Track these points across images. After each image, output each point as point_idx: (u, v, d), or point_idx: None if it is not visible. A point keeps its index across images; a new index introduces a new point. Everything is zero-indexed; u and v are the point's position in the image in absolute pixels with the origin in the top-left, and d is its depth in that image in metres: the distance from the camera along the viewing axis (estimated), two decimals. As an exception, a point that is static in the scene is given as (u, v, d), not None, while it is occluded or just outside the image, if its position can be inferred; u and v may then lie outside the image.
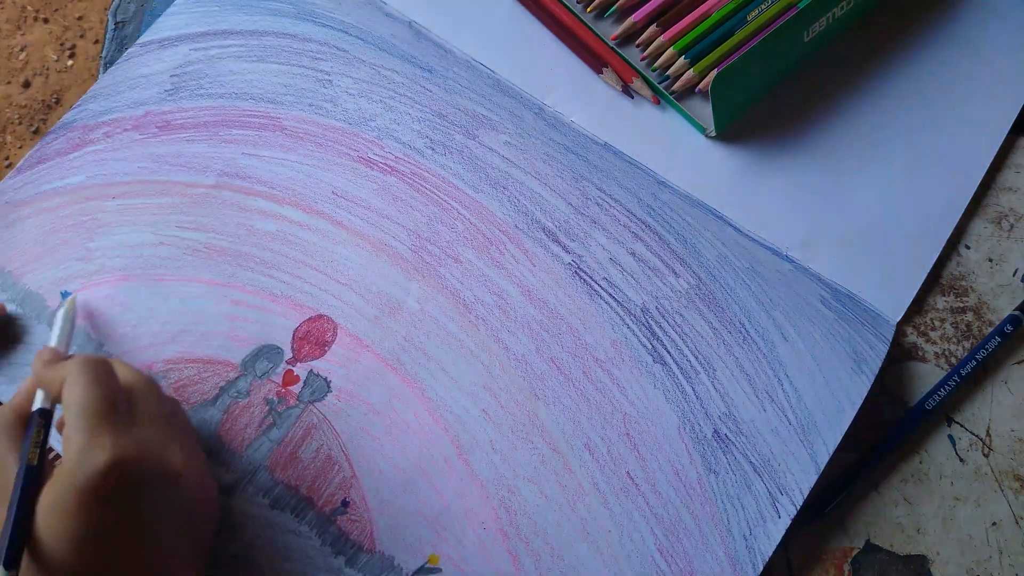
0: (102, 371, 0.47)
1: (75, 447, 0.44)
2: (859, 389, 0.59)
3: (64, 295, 0.60)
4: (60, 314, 0.56)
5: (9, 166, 0.65)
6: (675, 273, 0.61)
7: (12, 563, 0.41)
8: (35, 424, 0.48)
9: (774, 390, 0.58)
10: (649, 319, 0.60)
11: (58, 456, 0.48)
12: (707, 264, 0.62)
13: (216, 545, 0.54)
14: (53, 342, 0.54)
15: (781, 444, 0.57)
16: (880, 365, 0.59)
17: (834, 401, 0.58)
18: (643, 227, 0.63)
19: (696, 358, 0.59)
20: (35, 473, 0.45)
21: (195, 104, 0.66)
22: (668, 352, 0.59)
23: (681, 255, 0.62)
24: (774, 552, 0.55)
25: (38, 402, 0.49)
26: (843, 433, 0.57)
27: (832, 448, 0.57)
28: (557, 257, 0.62)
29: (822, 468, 0.57)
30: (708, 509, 0.56)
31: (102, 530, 0.43)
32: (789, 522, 0.55)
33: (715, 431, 0.57)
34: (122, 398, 0.47)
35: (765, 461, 0.57)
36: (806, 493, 0.56)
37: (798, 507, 0.56)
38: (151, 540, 0.45)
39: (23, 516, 0.43)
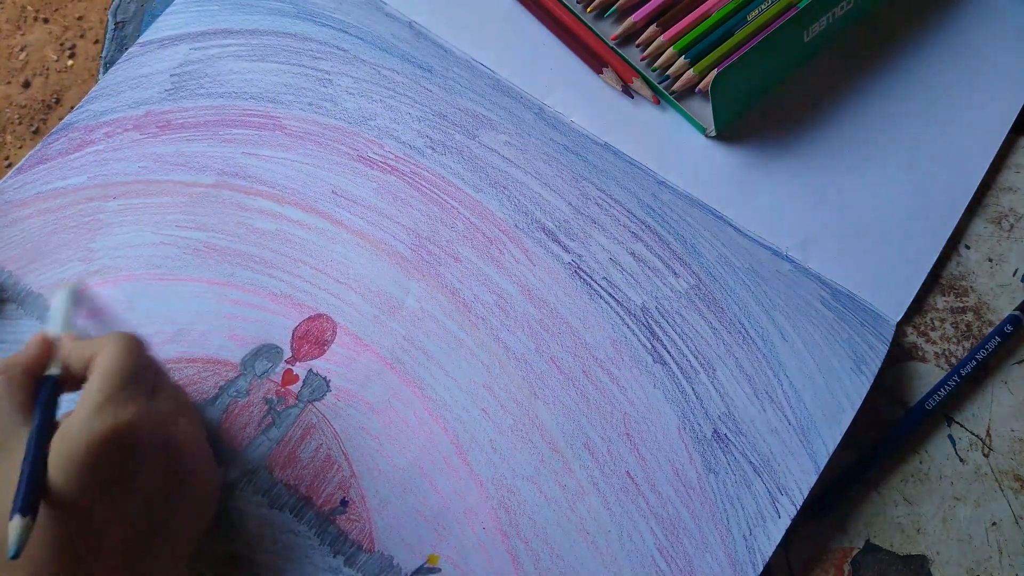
0: (136, 345, 0.49)
1: (89, 405, 0.45)
2: (858, 389, 0.59)
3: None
4: (62, 296, 0.56)
5: (9, 166, 0.65)
6: (675, 273, 0.61)
7: (30, 509, 0.42)
8: (50, 386, 0.48)
9: (773, 390, 0.58)
10: (649, 319, 0.60)
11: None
12: (707, 264, 0.62)
13: (214, 544, 0.54)
14: (57, 326, 0.54)
15: (781, 444, 0.57)
16: (880, 365, 0.59)
17: (833, 401, 0.58)
18: (643, 227, 0.63)
19: (696, 358, 0.59)
20: (49, 428, 0.45)
21: (195, 103, 0.66)
22: (668, 352, 0.59)
23: (681, 255, 0.62)
24: (774, 552, 0.55)
25: (54, 369, 0.49)
26: (843, 433, 0.57)
27: (832, 448, 0.57)
28: (557, 257, 0.62)
29: (822, 468, 0.57)
30: (708, 509, 0.56)
31: (99, 488, 0.44)
32: (789, 522, 0.55)
33: (715, 431, 0.57)
34: (148, 373, 0.49)
35: (765, 461, 0.57)
36: (806, 493, 0.56)
37: (798, 507, 0.56)
38: (142, 506, 0.46)
39: (39, 465, 0.43)
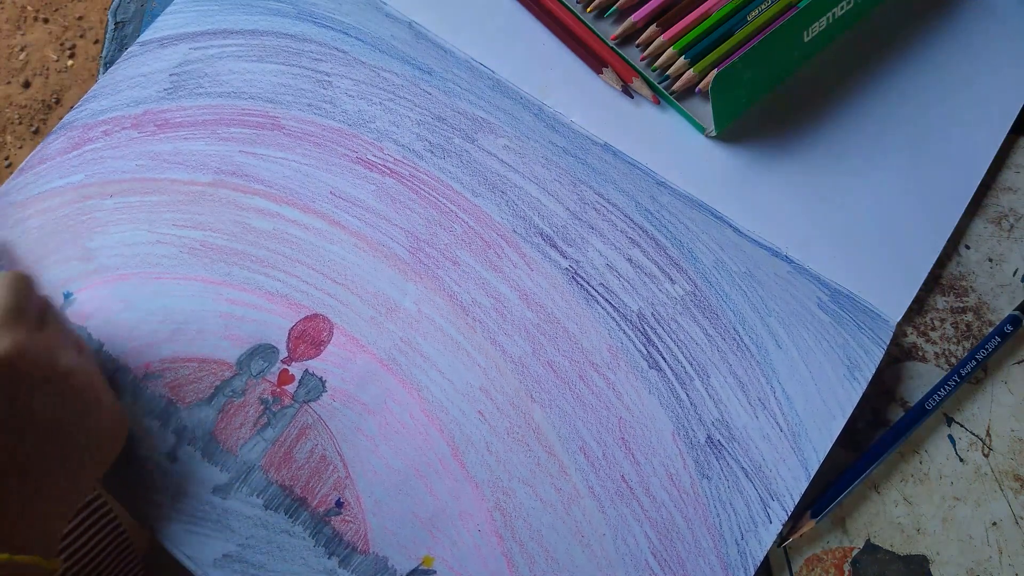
0: (19, 283, 0.51)
1: None
2: (851, 397, 0.58)
3: (67, 296, 0.60)
4: None
5: (9, 166, 0.65)
6: (671, 279, 0.61)
7: None
8: None
9: (766, 397, 0.58)
10: (645, 325, 0.60)
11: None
12: (703, 270, 0.62)
13: (208, 544, 0.54)
14: None
15: (772, 451, 0.57)
16: (874, 371, 0.59)
17: (825, 409, 0.58)
18: (640, 232, 0.63)
19: (691, 364, 0.59)
20: None
21: (194, 103, 0.66)
22: (663, 358, 0.59)
23: (677, 260, 0.62)
24: (774, 552, 0.55)
25: None
26: (833, 441, 0.57)
27: (822, 455, 0.57)
28: (554, 262, 0.62)
29: (812, 475, 0.57)
30: (701, 513, 0.56)
31: None
32: (780, 527, 0.56)
33: (708, 437, 0.57)
34: (34, 306, 0.52)
35: (757, 467, 0.57)
36: (797, 499, 0.56)
37: (789, 513, 0.56)
38: (39, 431, 0.47)
39: None
